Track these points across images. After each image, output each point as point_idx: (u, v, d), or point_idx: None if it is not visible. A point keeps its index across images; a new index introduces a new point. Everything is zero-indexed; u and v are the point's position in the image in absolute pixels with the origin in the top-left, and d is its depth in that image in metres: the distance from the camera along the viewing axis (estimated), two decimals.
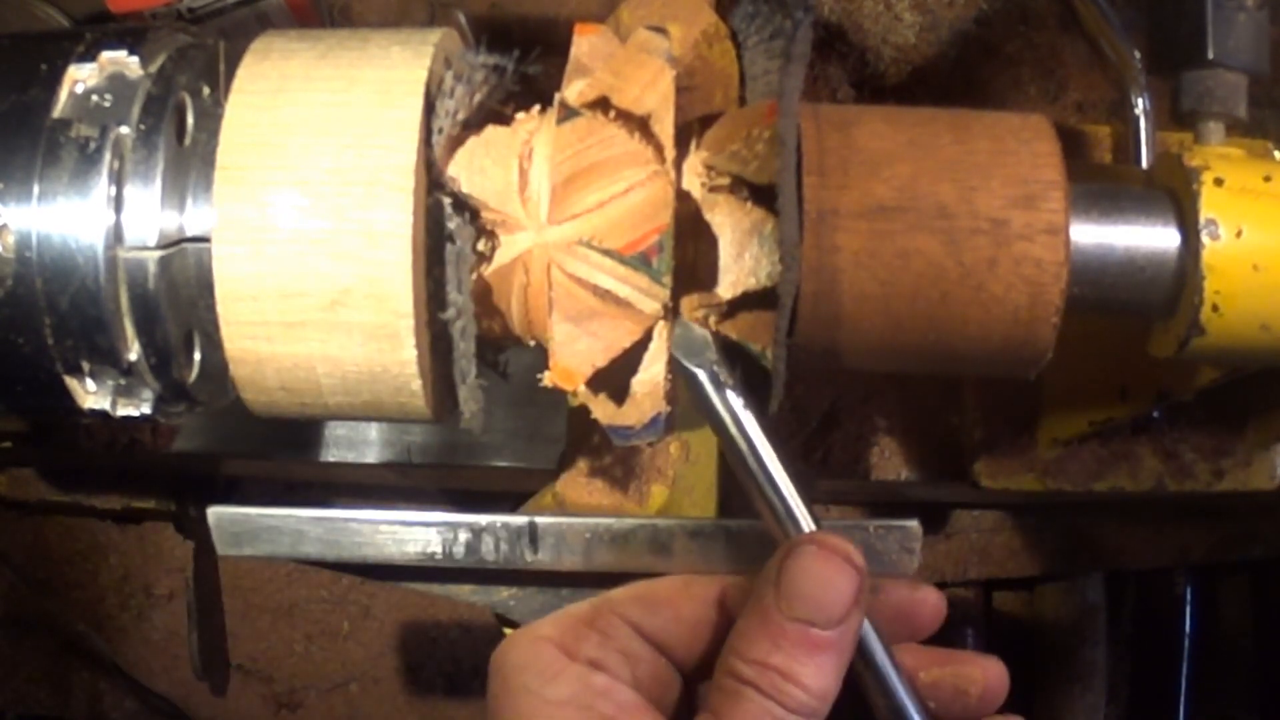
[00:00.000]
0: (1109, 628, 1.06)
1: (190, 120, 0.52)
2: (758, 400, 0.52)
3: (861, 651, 0.48)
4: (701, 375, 0.48)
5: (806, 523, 0.48)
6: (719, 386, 0.48)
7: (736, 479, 0.49)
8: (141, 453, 0.92)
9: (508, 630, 0.66)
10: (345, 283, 0.48)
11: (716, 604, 0.52)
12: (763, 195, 0.50)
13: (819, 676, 0.45)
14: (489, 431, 0.63)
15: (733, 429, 0.48)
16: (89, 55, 0.51)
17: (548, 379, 0.50)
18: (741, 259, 0.51)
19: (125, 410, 0.52)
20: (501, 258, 0.51)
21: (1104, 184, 0.57)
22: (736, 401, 0.48)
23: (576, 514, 0.62)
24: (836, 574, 0.45)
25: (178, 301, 0.51)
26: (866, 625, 0.48)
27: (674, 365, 0.48)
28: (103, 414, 0.52)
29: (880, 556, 0.56)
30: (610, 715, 0.48)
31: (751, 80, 0.54)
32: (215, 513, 0.59)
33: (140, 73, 0.51)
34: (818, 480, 0.88)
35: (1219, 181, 0.54)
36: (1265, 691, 1.09)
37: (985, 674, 0.52)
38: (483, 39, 0.52)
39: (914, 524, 0.57)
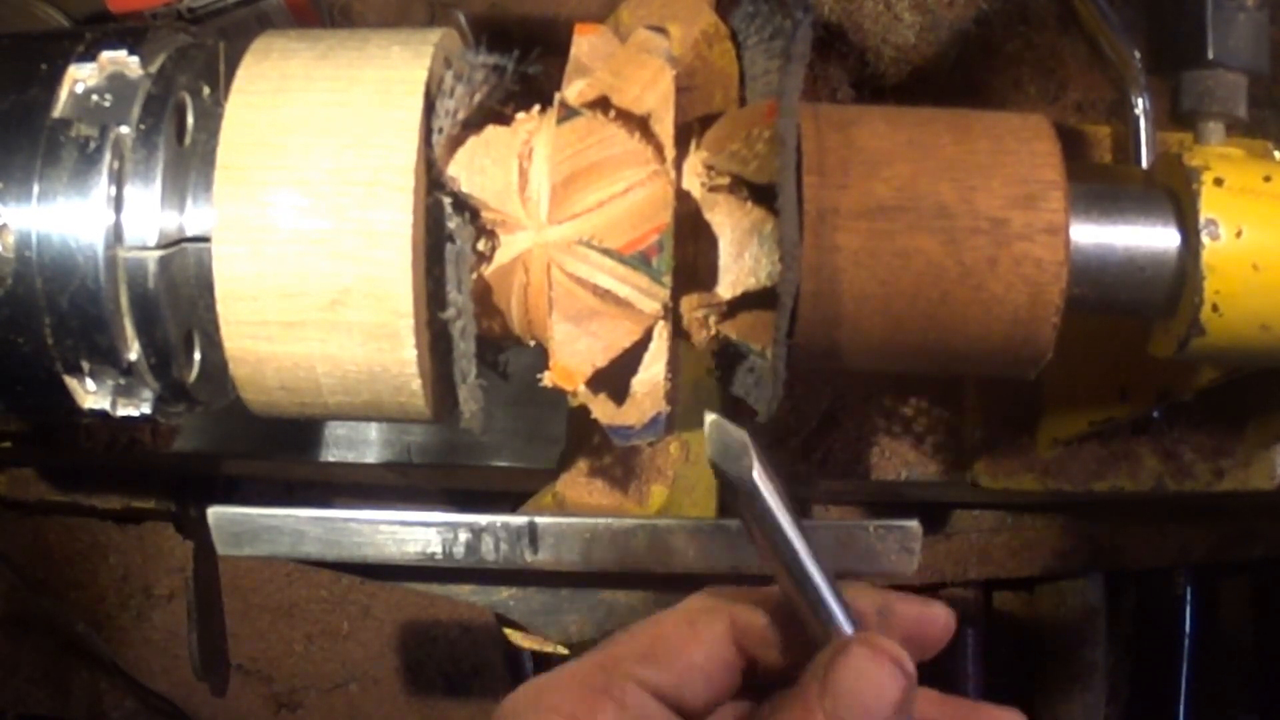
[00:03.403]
0: (1109, 628, 1.06)
1: (190, 120, 0.52)
2: (755, 403, 0.52)
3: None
4: (745, 484, 0.45)
5: (846, 623, 0.46)
6: (758, 495, 0.45)
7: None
8: (141, 453, 0.92)
9: (508, 631, 0.66)
10: (345, 282, 0.48)
11: (727, 640, 0.50)
12: (763, 195, 0.50)
13: None
14: (489, 431, 0.63)
15: (774, 534, 0.45)
16: (89, 55, 0.51)
17: (548, 379, 0.50)
18: (741, 259, 0.51)
19: (125, 410, 0.52)
20: (501, 257, 0.51)
21: (1104, 184, 0.57)
22: (778, 505, 0.45)
23: (576, 514, 0.62)
24: (887, 678, 0.44)
25: (178, 301, 0.51)
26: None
27: (715, 471, 0.45)
28: (103, 414, 0.52)
29: (880, 556, 0.56)
30: None
31: (751, 80, 0.54)
32: (215, 513, 0.59)
33: (140, 73, 0.51)
34: (818, 480, 0.88)
35: (1219, 181, 0.54)
36: (1265, 691, 1.09)
37: None
38: (483, 39, 0.52)
39: (914, 524, 0.57)
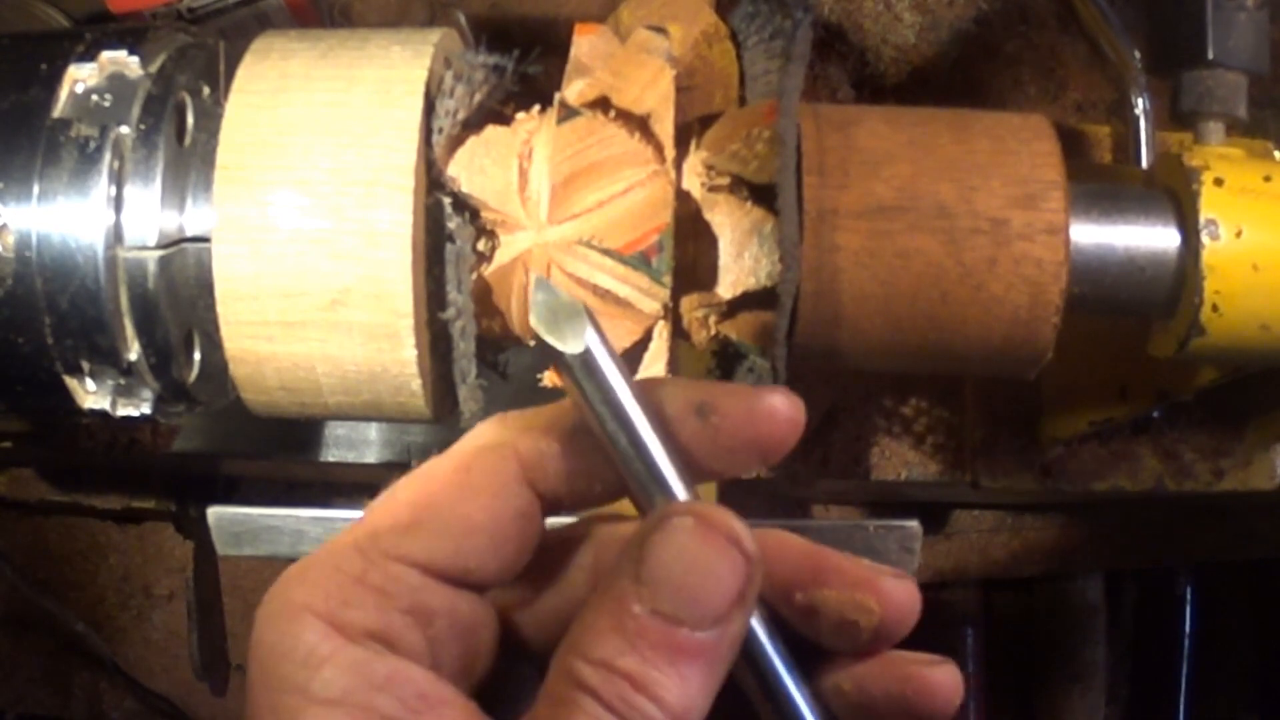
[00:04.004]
0: (1109, 628, 1.06)
1: (190, 120, 0.52)
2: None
3: (749, 658, 0.36)
4: (580, 354, 0.36)
5: (680, 491, 0.36)
6: (595, 366, 0.36)
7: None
8: (141, 453, 0.92)
9: None
10: (345, 282, 0.48)
11: (516, 485, 0.38)
12: (763, 195, 0.50)
13: (681, 690, 0.33)
14: None
15: (612, 406, 0.36)
16: (89, 55, 0.51)
17: (548, 379, 0.50)
18: (741, 259, 0.51)
19: (125, 410, 0.52)
20: (501, 257, 0.51)
21: (1104, 184, 0.57)
22: (615, 374, 0.36)
23: (576, 514, 0.62)
24: (718, 559, 0.34)
25: (178, 301, 0.51)
26: (756, 624, 0.36)
27: (540, 343, 0.36)
28: (103, 414, 0.52)
29: (880, 556, 0.56)
30: (394, 717, 0.35)
31: (751, 80, 0.54)
32: (215, 513, 0.59)
33: (140, 73, 0.51)
34: (818, 480, 0.88)
35: (1219, 181, 0.54)
36: (1265, 691, 1.09)
37: (888, 600, 0.38)
38: (483, 39, 0.52)
39: (914, 524, 0.57)
